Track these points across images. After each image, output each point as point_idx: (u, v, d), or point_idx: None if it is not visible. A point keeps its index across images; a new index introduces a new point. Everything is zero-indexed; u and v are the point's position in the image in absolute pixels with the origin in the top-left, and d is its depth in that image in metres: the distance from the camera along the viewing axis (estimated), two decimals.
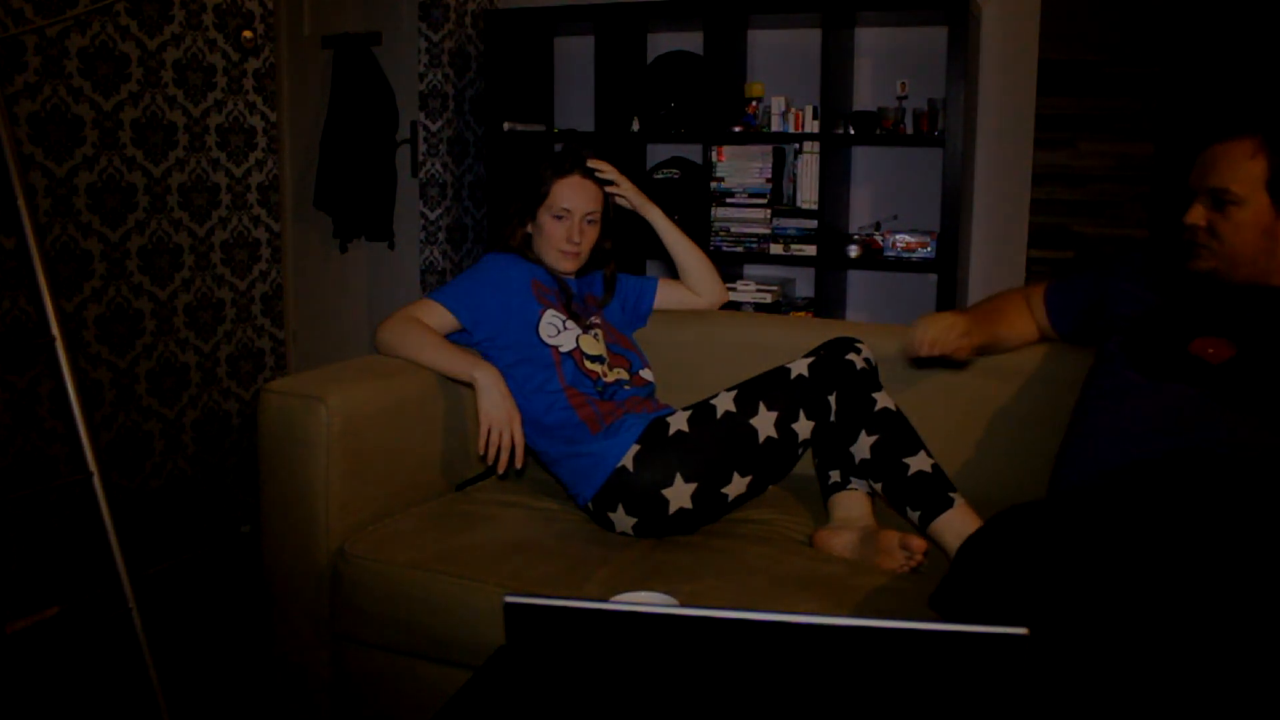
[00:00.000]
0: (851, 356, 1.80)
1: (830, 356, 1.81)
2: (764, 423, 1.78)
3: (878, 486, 1.77)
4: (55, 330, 1.71)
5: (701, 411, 1.82)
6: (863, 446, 1.75)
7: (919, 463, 1.73)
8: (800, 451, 1.85)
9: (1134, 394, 1.57)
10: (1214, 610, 1.12)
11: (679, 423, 1.82)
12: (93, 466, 1.72)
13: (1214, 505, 1.31)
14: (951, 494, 1.69)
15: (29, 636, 1.75)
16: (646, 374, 2.03)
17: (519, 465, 1.85)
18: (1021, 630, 0.73)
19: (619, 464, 1.79)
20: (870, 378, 1.80)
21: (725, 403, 1.82)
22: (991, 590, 1.26)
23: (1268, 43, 2.74)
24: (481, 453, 1.83)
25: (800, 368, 1.81)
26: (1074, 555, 1.22)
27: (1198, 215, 1.60)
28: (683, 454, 1.77)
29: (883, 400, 1.77)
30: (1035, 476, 1.83)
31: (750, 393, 1.82)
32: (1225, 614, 1.12)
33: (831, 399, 1.78)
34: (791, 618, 0.77)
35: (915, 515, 1.71)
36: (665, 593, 1.35)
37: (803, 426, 1.79)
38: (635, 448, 1.80)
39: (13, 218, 1.69)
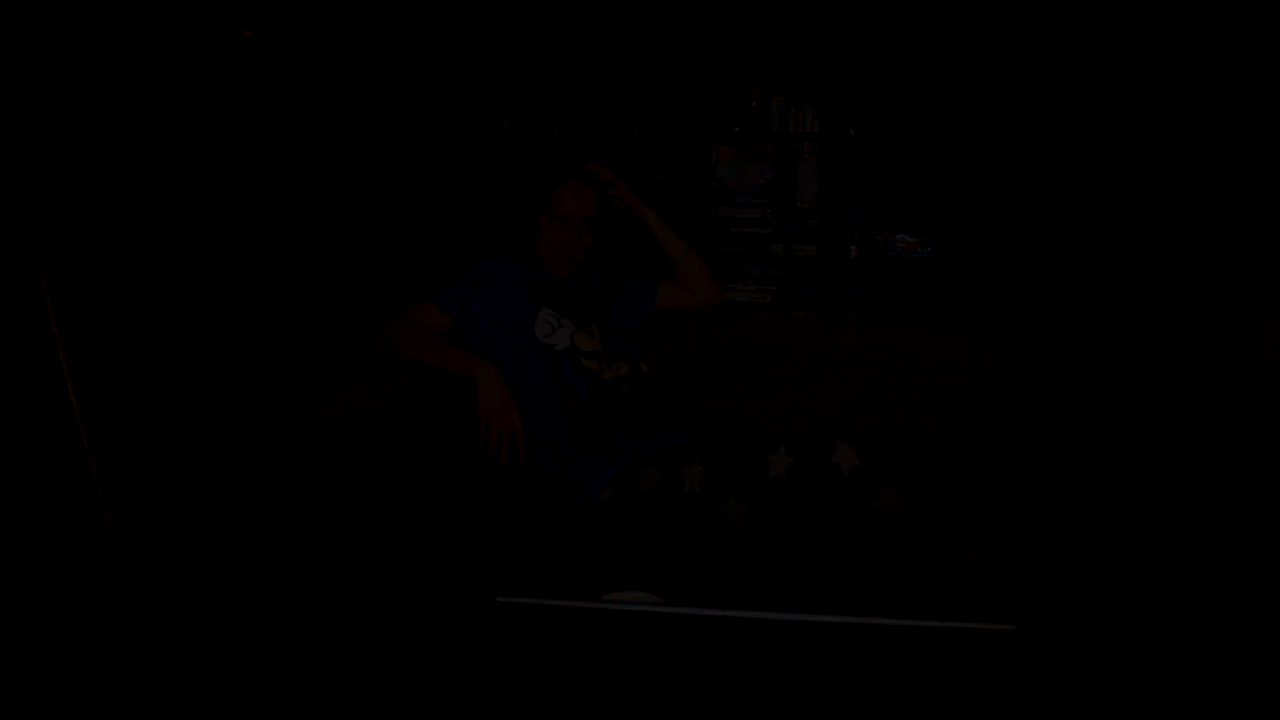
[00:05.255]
0: (836, 460, 1.57)
1: (810, 460, 1.59)
2: (735, 513, 1.67)
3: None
4: (55, 330, 1.71)
5: (669, 477, 1.72)
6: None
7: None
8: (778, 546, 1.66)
9: None
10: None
11: (649, 480, 1.74)
12: (93, 466, 1.72)
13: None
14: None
15: (29, 636, 1.75)
16: (644, 369, 2.03)
17: (520, 459, 1.85)
18: (1009, 626, 0.73)
19: (594, 498, 1.80)
20: (863, 477, 1.56)
21: (693, 479, 1.69)
22: None
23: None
24: (481, 445, 1.83)
25: (779, 467, 1.61)
26: None
27: None
28: (647, 524, 1.74)
29: (886, 501, 1.56)
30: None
31: (721, 476, 1.66)
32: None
33: (817, 501, 1.59)
34: (780, 615, 0.78)
35: None
36: (653, 592, 1.35)
37: (782, 522, 1.64)
38: (608, 492, 1.79)
39: (13, 218, 1.70)
